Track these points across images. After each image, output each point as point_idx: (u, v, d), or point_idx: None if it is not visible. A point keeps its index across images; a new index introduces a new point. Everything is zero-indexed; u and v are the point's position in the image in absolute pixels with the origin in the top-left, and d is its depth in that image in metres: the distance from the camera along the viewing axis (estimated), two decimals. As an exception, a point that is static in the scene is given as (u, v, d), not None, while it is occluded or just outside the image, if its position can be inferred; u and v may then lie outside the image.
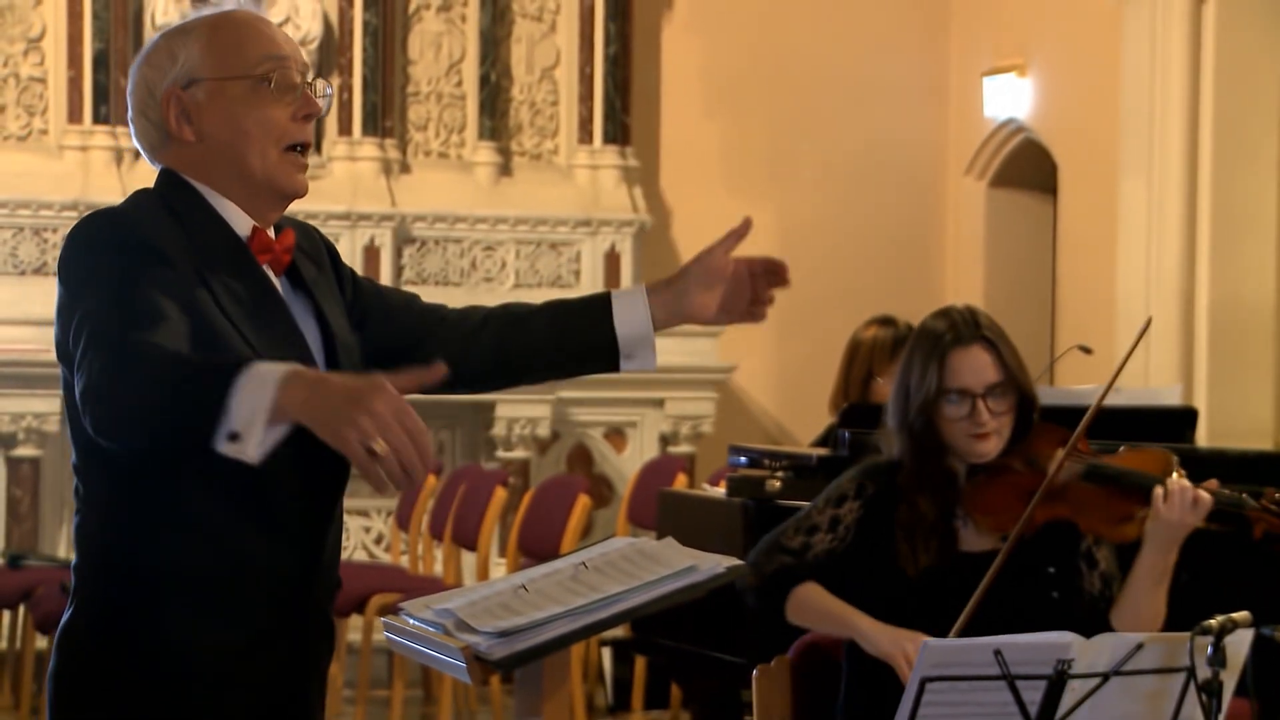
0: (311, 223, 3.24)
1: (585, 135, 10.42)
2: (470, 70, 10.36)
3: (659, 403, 10.20)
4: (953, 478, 3.97)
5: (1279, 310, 9.29)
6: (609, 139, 10.39)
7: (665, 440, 10.24)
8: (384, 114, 10.13)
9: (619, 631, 7.39)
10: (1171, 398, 6.85)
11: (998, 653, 3.36)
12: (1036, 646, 3.40)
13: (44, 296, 9.66)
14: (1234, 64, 9.14)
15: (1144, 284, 9.27)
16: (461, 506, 8.54)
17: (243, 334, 2.86)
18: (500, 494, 8.29)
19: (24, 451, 9.51)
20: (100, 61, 9.83)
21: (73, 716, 2.92)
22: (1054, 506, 3.88)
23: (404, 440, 2.50)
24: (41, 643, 7.92)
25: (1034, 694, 3.39)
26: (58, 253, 10.73)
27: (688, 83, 10.85)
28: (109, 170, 9.86)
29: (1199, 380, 9.13)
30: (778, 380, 10.86)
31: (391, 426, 2.50)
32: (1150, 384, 8.86)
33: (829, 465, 5.19)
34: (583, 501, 7.97)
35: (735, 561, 3.18)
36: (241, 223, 2.96)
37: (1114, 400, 6.28)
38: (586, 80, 10.40)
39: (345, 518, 3.06)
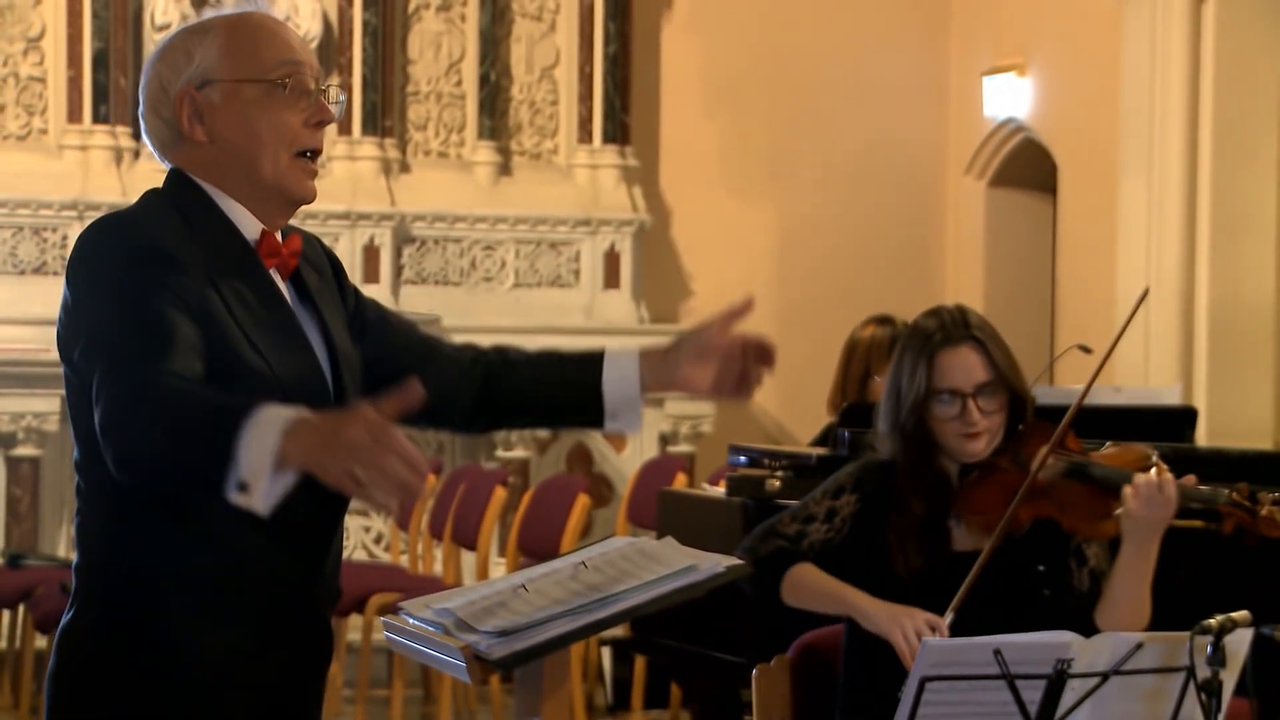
0: (311, 222, 3.24)
1: (585, 135, 10.42)
2: (470, 70, 10.36)
3: (659, 402, 10.20)
4: (945, 478, 3.97)
5: (1278, 310, 9.29)
6: (608, 138, 10.39)
7: (665, 440, 10.24)
8: (383, 113, 10.13)
9: (619, 631, 7.38)
10: (1171, 397, 6.85)
11: (997, 652, 3.36)
12: (1036, 646, 3.40)
13: (44, 296, 9.66)
14: (1234, 64, 9.13)
15: (1144, 284, 9.26)
16: (461, 506, 8.53)
17: (250, 340, 2.86)
18: (500, 493, 8.29)
19: (24, 451, 9.51)
20: (100, 61, 9.83)
21: (72, 717, 2.91)
22: (1038, 505, 3.88)
23: (389, 460, 2.49)
24: (41, 642, 7.92)
25: (1034, 693, 3.39)
26: (57, 252, 10.74)
27: (687, 82, 10.85)
28: (108, 170, 9.86)
29: (1199, 380, 9.13)
30: (777, 380, 10.76)
31: (369, 450, 2.49)
32: (1150, 384, 8.87)
33: (828, 465, 5.18)
34: (582, 501, 7.97)
35: (735, 561, 3.18)
36: (250, 226, 2.96)
37: (1114, 400, 6.30)
38: (586, 80, 10.40)
39: (345, 517, 3.06)
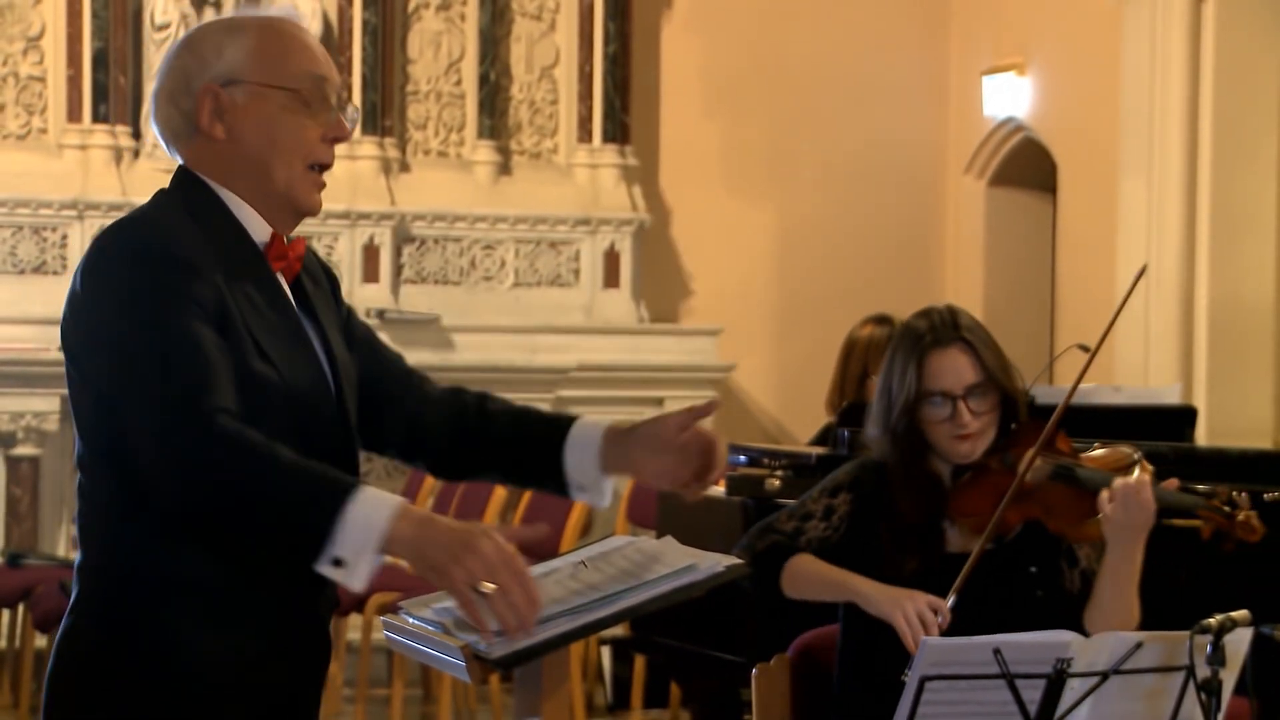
0: (311, 221, 3.24)
1: (585, 134, 10.41)
2: (469, 69, 10.36)
3: (658, 402, 10.19)
4: (937, 480, 3.96)
5: (1278, 309, 9.29)
6: (608, 138, 10.39)
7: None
8: (383, 113, 10.13)
9: (618, 630, 7.38)
10: (1171, 397, 6.86)
11: (997, 651, 3.36)
12: (1036, 645, 3.40)
13: (43, 296, 9.66)
14: (1234, 63, 9.13)
15: (1143, 283, 9.24)
16: (461, 505, 8.53)
17: (260, 346, 2.86)
18: (499, 492, 8.29)
19: (23, 450, 9.51)
20: (99, 60, 9.83)
21: (71, 718, 2.91)
22: (1025, 507, 3.87)
23: (513, 583, 2.60)
24: (41, 641, 7.92)
25: (1033, 693, 3.39)
26: (57, 252, 10.73)
27: (687, 82, 10.85)
28: (108, 169, 9.85)
29: (1198, 379, 9.13)
30: (777, 379, 10.86)
31: (500, 569, 2.60)
32: (1150, 383, 8.87)
33: (828, 464, 5.18)
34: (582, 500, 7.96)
35: (734, 560, 3.18)
36: (260, 228, 2.96)
37: (1114, 399, 6.30)
38: (586, 79, 10.40)
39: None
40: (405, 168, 10.26)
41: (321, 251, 10.47)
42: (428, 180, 10.25)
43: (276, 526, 2.67)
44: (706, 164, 10.82)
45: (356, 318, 3.19)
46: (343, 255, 10.04)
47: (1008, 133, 10.78)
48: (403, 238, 10.19)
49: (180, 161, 3.01)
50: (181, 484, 2.70)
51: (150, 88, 10.30)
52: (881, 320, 6.43)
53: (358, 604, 7.84)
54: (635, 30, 10.54)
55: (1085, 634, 3.60)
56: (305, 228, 3.18)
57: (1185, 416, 6.18)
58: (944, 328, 3.97)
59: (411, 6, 10.31)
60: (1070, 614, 3.86)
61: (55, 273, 9.80)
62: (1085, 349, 5.56)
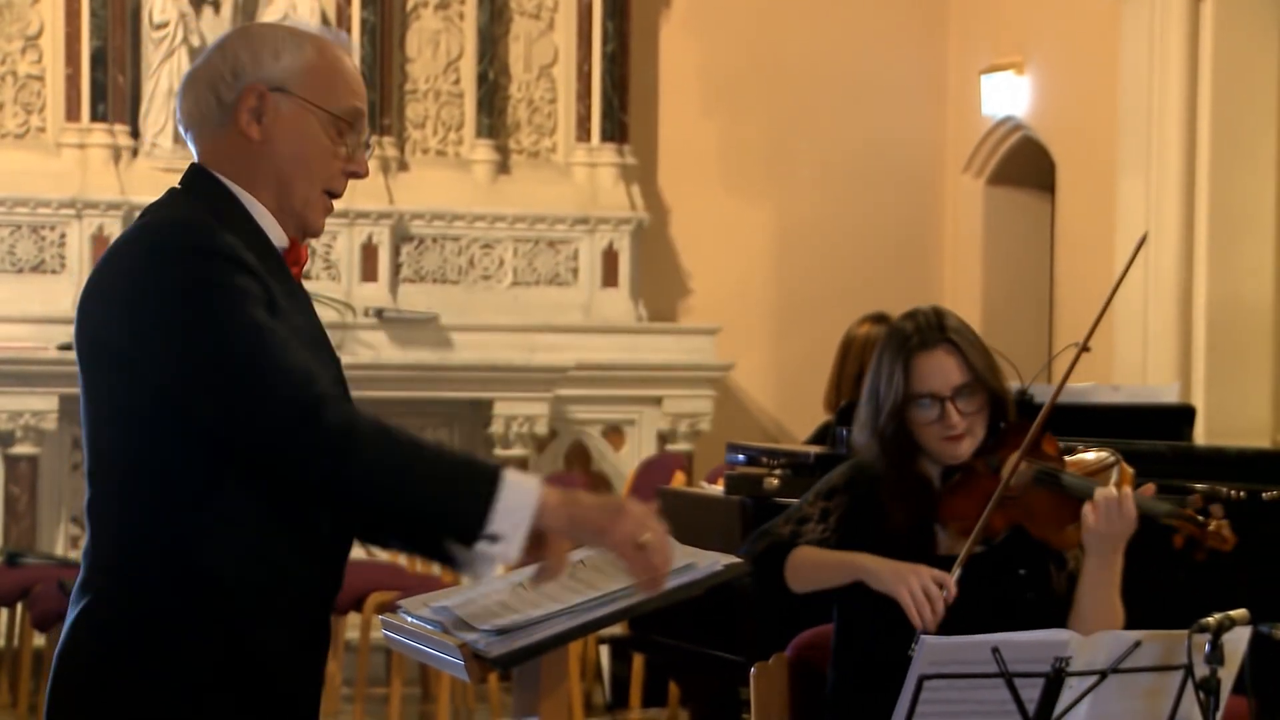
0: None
1: (583, 133, 10.41)
2: (468, 68, 10.35)
3: (657, 400, 10.20)
4: (926, 482, 3.96)
5: (1277, 309, 9.29)
6: (607, 137, 10.39)
7: (663, 438, 10.24)
8: (382, 112, 10.13)
9: (617, 629, 7.38)
10: (1169, 396, 6.85)
11: (995, 650, 3.36)
12: (1034, 644, 3.40)
13: (42, 294, 9.66)
14: (1232, 63, 9.13)
15: (1142, 282, 9.27)
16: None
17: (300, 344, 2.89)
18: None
19: (22, 449, 9.51)
20: (98, 59, 9.82)
21: (86, 701, 2.89)
22: (1009, 512, 3.87)
23: (660, 535, 2.79)
24: (39, 640, 7.92)
25: (1032, 692, 3.39)
26: (55, 250, 10.71)
27: (686, 81, 10.85)
28: (107, 168, 9.85)
29: (1197, 378, 9.13)
30: (776, 378, 10.86)
31: (649, 523, 2.79)
32: (1148, 382, 8.87)
33: (826, 463, 5.19)
34: (581, 499, 7.95)
35: (733, 559, 3.18)
36: (278, 234, 2.98)
37: (1112, 399, 6.30)
38: (584, 78, 10.40)
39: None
40: (404, 167, 10.25)
41: (320, 250, 10.48)
42: (426, 179, 10.25)
43: (431, 509, 2.78)
44: (705, 163, 10.82)
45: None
46: (341, 254, 10.04)
47: (1006, 132, 10.78)
48: (401, 237, 10.19)
49: (194, 152, 3.00)
50: (329, 472, 2.75)
51: (148, 86, 10.22)
52: (879, 319, 6.43)
53: (356, 603, 7.83)
54: (634, 29, 10.54)
55: (1077, 635, 3.60)
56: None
57: (1183, 416, 6.18)
58: (930, 329, 3.96)
59: (410, 5, 10.31)
60: (1060, 615, 3.85)
61: (54, 271, 9.80)
62: (1085, 349, 5.56)
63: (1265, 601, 3.97)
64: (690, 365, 10.23)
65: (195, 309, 2.79)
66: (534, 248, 10.35)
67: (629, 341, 10.24)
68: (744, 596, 4.09)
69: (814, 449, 5.85)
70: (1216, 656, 3.38)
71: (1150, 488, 3.87)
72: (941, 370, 3.93)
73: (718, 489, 5.85)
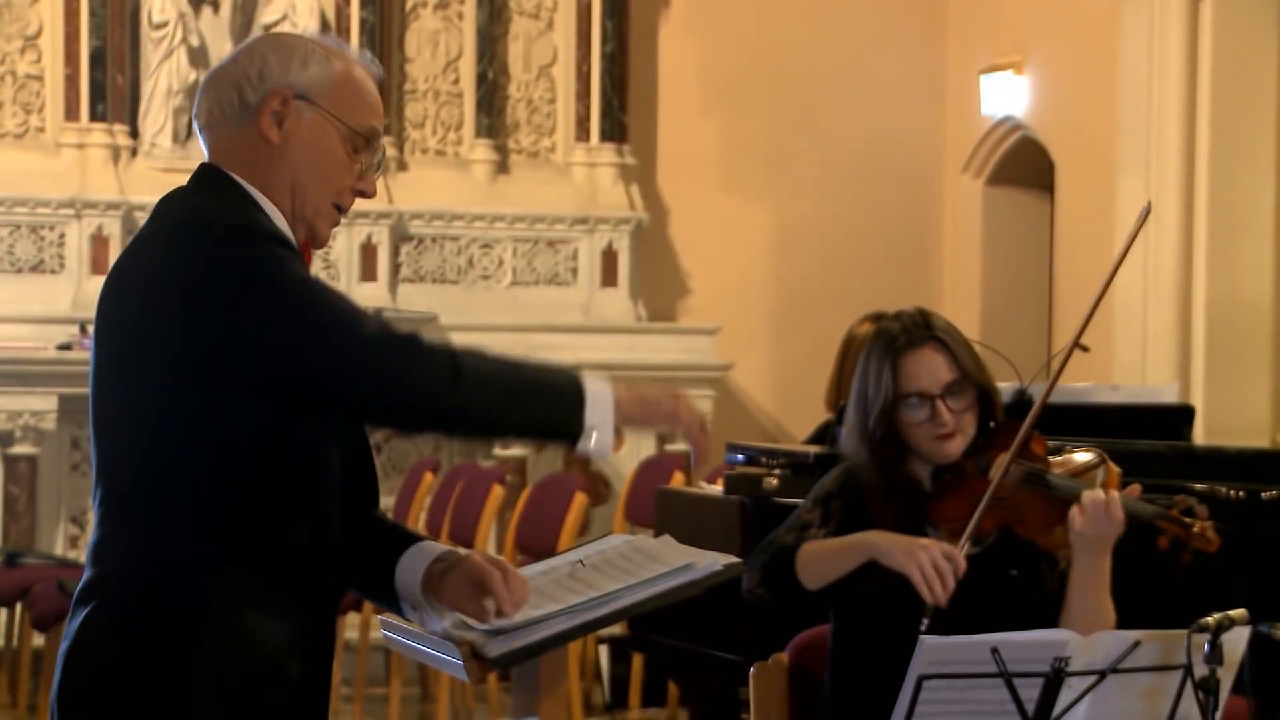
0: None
1: (582, 133, 10.42)
2: (467, 68, 10.36)
3: (656, 401, 10.19)
4: (917, 484, 3.95)
5: (1276, 308, 9.29)
6: (606, 137, 10.39)
7: (663, 438, 10.23)
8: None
9: (616, 629, 7.38)
10: (1169, 396, 6.85)
11: (995, 650, 3.36)
12: (1033, 644, 3.40)
13: (41, 294, 9.66)
14: (1231, 63, 9.14)
15: (1142, 282, 9.27)
16: (459, 504, 8.53)
17: None
18: (497, 491, 8.29)
19: (21, 449, 9.51)
20: (97, 59, 9.83)
21: (91, 709, 2.89)
22: (998, 514, 3.86)
23: (693, 409, 3.02)
24: (38, 640, 7.92)
25: (1031, 691, 3.39)
26: (54, 250, 10.69)
27: (685, 80, 10.85)
28: (106, 168, 9.85)
29: (1196, 378, 9.14)
30: (775, 378, 10.86)
31: (685, 400, 3.01)
32: (1148, 382, 8.87)
33: (826, 463, 5.18)
34: (580, 499, 7.97)
35: (732, 559, 3.17)
36: (289, 235, 3.00)
37: (1112, 398, 6.30)
38: (584, 78, 10.40)
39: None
40: (403, 166, 10.26)
41: (319, 250, 10.45)
42: (425, 179, 10.25)
43: (530, 431, 2.97)
44: (704, 163, 10.82)
45: None
46: (340, 254, 10.04)
47: (1005, 132, 10.79)
48: (400, 236, 10.19)
49: (206, 151, 3.01)
50: (437, 403, 2.85)
51: (147, 86, 10.22)
52: (879, 318, 6.42)
53: (356, 603, 7.83)
54: (633, 29, 10.54)
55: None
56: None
57: (1183, 415, 6.18)
58: (916, 328, 3.95)
59: (409, 5, 10.31)
60: (1054, 615, 3.85)
61: (53, 272, 9.80)
62: (1083, 348, 5.57)
63: (1264, 601, 3.96)
64: (689, 365, 10.23)
65: (261, 282, 2.82)
66: (533, 248, 10.35)
67: (628, 341, 10.24)
68: (743, 596, 4.08)
69: (813, 449, 5.85)
70: (1216, 656, 3.38)
71: (1136, 488, 3.86)
72: (930, 368, 3.92)
73: (717, 489, 5.85)
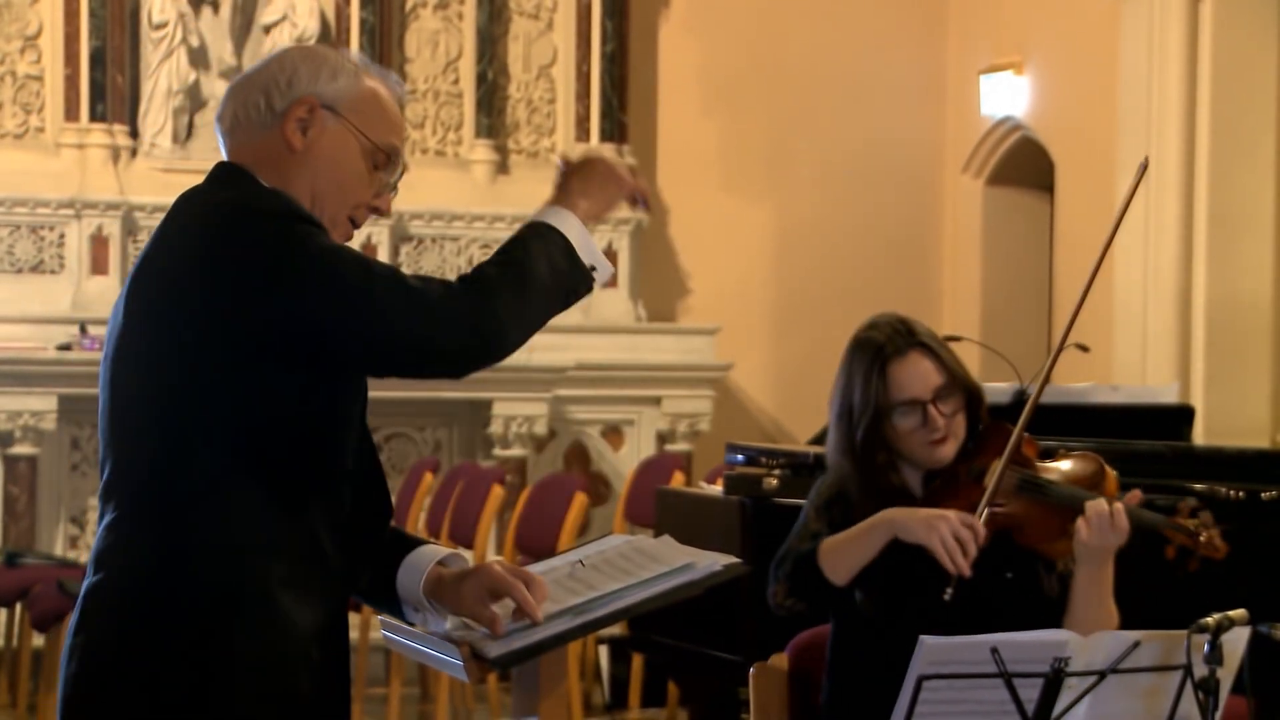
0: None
1: (582, 133, 10.42)
2: (467, 68, 10.36)
3: (656, 401, 10.20)
4: (907, 492, 3.94)
5: (1276, 308, 9.29)
6: (606, 137, 10.39)
7: (662, 438, 10.24)
8: (381, 112, 10.13)
9: (616, 629, 7.38)
10: (1168, 396, 6.85)
11: (995, 650, 3.36)
12: (1033, 644, 3.40)
13: (41, 294, 9.66)
14: (1231, 63, 9.14)
15: (1141, 282, 9.28)
16: (459, 504, 8.53)
17: None
18: (497, 492, 8.29)
19: (21, 449, 9.51)
20: (97, 59, 9.83)
21: (102, 705, 2.89)
22: (996, 519, 3.85)
23: (624, 173, 3.05)
24: (38, 641, 7.92)
25: (1031, 692, 3.39)
26: (54, 250, 10.68)
27: (685, 81, 10.85)
28: (105, 168, 9.85)
29: (1196, 378, 9.14)
30: (775, 378, 10.86)
31: (620, 166, 3.05)
32: (1147, 382, 8.87)
33: (826, 463, 5.18)
34: (580, 499, 7.97)
35: (732, 559, 3.17)
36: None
37: (1111, 398, 6.30)
38: (584, 78, 10.40)
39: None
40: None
41: (319, 250, 10.44)
42: (425, 179, 10.25)
43: (556, 298, 3.01)
44: (704, 163, 10.82)
45: None
46: (340, 254, 10.03)
47: (1005, 132, 10.79)
48: (400, 237, 10.19)
49: (225, 152, 3.02)
50: (487, 332, 2.93)
51: (147, 87, 10.21)
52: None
53: (355, 603, 7.83)
54: (633, 29, 10.54)
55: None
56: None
57: (1182, 416, 6.19)
58: (899, 336, 3.93)
59: (409, 5, 10.31)
60: (1051, 618, 3.84)
61: (52, 272, 9.80)
62: (1083, 348, 5.56)
63: (1264, 601, 3.96)
64: (689, 365, 10.23)
65: (299, 250, 2.83)
66: (533, 248, 10.35)
67: (628, 341, 10.24)
68: (743, 596, 4.08)
69: (813, 449, 5.85)
70: (1215, 656, 3.38)
71: (1137, 494, 3.85)
72: (919, 374, 3.91)
73: (717, 489, 5.85)
